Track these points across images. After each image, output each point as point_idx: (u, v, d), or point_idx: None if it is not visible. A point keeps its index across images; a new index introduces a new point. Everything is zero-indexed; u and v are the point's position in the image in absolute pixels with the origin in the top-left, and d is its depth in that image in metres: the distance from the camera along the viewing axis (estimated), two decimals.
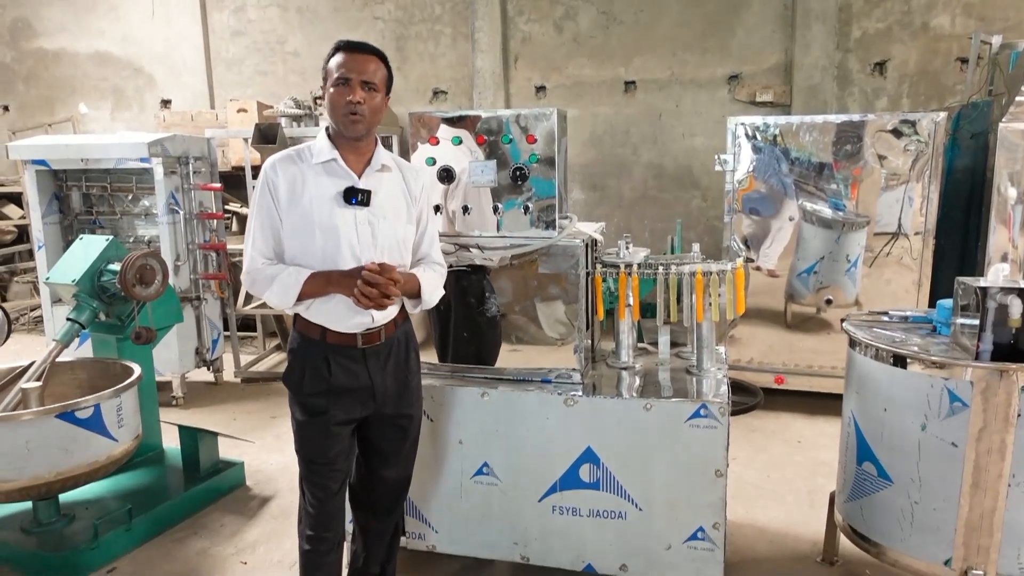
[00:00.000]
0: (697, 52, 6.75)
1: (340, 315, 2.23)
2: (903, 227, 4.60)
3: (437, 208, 2.84)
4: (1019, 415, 2.25)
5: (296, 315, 2.31)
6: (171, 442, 3.97)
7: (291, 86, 7.47)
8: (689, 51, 6.77)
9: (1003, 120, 4.20)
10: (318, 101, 7.19)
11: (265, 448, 4.36)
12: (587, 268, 2.87)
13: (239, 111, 6.90)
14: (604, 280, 2.91)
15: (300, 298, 2.20)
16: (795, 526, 3.38)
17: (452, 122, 2.80)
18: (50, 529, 3.23)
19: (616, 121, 7.06)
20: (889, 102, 6.35)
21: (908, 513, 2.46)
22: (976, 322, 2.32)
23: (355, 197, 2.20)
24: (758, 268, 4.88)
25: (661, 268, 2.83)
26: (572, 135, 7.26)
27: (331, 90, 2.17)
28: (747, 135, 4.70)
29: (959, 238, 4.93)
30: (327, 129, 2.28)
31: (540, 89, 7.22)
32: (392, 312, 2.33)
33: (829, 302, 4.84)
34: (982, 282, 2.36)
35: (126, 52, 7.95)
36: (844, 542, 2.95)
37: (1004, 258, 4.51)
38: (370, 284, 2.10)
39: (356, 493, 2.59)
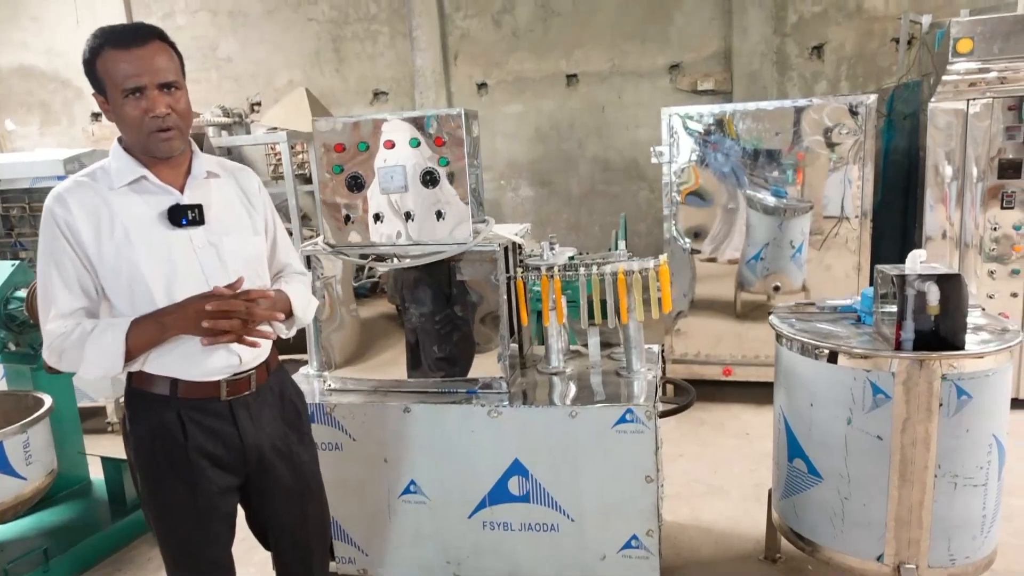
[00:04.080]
0: (637, 42, 6.69)
1: (194, 358, 1.77)
2: (844, 211, 4.58)
3: (348, 219, 2.72)
4: (941, 404, 2.20)
5: (130, 372, 1.83)
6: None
7: (226, 93, 7.27)
8: (629, 41, 6.71)
9: (932, 100, 4.19)
10: (255, 107, 7.01)
11: None
12: (508, 272, 2.76)
13: None
14: (527, 284, 2.81)
15: (129, 356, 1.72)
16: (739, 523, 3.31)
17: (358, 126, 2.66)
18: None
19: (560, 116, 6.98)
20: (828, 85, 6.36)
21: (839, 510, 2.41)
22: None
23: (184, 216, 1.77)
24: (703, 259, 4.82)
25: (582, 269, 2.74)
26: (517, 131, 7.18)
27: (121, 104, 1.68)
28: (683, 126, 4.64)
29: (899, 219, 4.93)
30: (120, 140, 1.79)
31: (482, 86, 7.11)
32: (265, 351, 1.90)
33: (777, 289, 4.80)
34: (889, 269, 2.32)
35: (51, 64, 7.66)
36: None
37: (944, 235, 4.53)
38: (225, 311, 1.67)
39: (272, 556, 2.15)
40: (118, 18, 7.39)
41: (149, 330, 1.72)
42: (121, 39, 1.67)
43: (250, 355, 1.86)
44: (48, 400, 3.22)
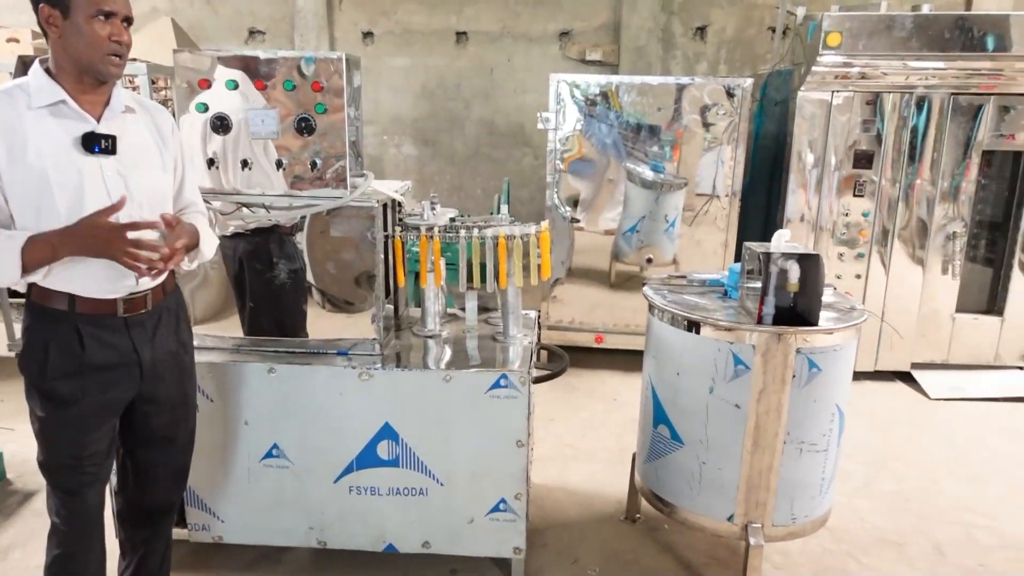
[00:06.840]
0: (529, 5, 6.62)
1: (95, 279, 1.87)
2: (716, 189, 4.77)
3: (212, 162, 2.50)
4: (793, 376, 2.35)
5: (31, 284, 1.89)
6: None
7: None
8: (521, 3, 6.62)
9: (801, 89, 4.42)
10: None
11: (31, 435, 3.81)
12: (386, 231, 2.66)
13: (9, 40, 5.91)
14: (407, 244, 2.72)
15: (25, 270, 1.79)
16: (604, 486, 3.43)
17: (227, 62, 2.44)
18: None
19: (448, 74, 6.81)
20: (708, 67, 6.58)
21: (697, 473, 2.53)
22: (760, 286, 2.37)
23: (97, 144, 1.84)
24: (582, 228, 4.89)
25: (464, 232, 2.68)
26: (403, 86, 6.95)
27: (86, 23, 1.77)
28: (571, 94, 4.65)
29: (764, 201, 5.22)
30: (41, 62, 1.86)
31: (368, 35, 6.81)
32: (161, 275, 1.98)
33: (650, 261, 4.97)
34: (756, 247, 2.42)
35: None
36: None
37: (802, 218, 4.83)
38: (146, 246, 1.80)
39: (121, 497, 2.26)
40: None
41: (43, 249, 1.78)
42: None
43: (147, 280, 1.95)
44: None
